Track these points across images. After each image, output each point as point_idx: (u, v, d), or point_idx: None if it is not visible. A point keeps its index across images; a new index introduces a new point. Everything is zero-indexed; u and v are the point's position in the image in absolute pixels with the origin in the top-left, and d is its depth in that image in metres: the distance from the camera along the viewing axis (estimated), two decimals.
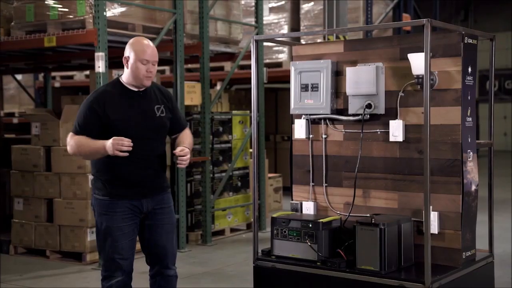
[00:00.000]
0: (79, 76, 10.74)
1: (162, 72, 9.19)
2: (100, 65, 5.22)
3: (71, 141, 3.13)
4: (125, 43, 6.64)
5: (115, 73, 5.82)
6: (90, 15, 5.35)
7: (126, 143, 3.01)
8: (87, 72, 9.32)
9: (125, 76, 3.21)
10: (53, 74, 10.28)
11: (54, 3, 5.59)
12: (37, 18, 5.72)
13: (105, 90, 3.20)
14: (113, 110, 3.12)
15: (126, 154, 3.02)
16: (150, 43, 3.21)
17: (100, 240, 3.22)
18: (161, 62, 7.51)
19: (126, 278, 3.19)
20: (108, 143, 3.02)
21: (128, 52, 3.18)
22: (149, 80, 3.18)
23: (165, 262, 3.28)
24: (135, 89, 3.21)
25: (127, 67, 3.17)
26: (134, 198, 3.17)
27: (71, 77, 10.87)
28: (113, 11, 5.67)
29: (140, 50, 3.14)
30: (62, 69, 9.15)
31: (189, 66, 8.45)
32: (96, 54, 5.23)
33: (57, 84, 10.77)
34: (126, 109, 3.15)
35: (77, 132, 3.14)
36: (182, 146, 3.22)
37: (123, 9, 5.76)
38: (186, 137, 3.37)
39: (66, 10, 5.55)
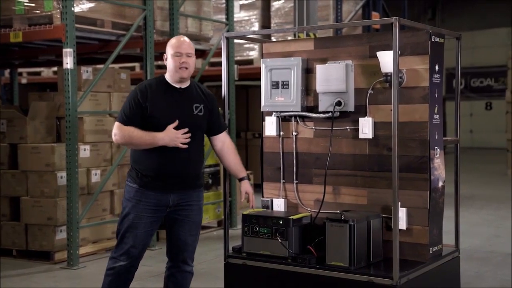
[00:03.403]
0: (47, 72, 10.57)
1: (132, 69, 9.11)
2: (68, 62, 5.14)
3: (121, 131, 3.24)
4: (94, 39, 6.58)
5: (83, 69, 5.74)
6: (58, 10, 5.26)
7: (181, 135, 3.19)
8: (55, 69, 9.17)
9: (167, 73, 3.37)
10: (20, 70, 10.09)
11: None
12: (2, 13, 5.59)
13: (150, 84, 3.33)
14: (154, 104, 3.25)
15: (186, 146, 3.20)
16: (184, 38, 3.37)
17: (119, 223, 3.35)
18: (131, 58, 7.49)
19: (129, 265, 3.33)
20: (162, 135, 3.18)
21: (166, 49, 3.34)
22: (186, 72, 3.29)
23: (184, 256, 3.42)
24: (177, 86, 3.33)
25: (165, 63, 3.34)
26: (162, 191, 3.28)
27: (38, 73, 10.68)
28: (81, 6, 5.59)
29: (172, 44, 3.31)
30: (29, 65, 8.98)
31: (159, 63, 8.38)
32: (64, 50, 5.15)
33: (24, 81, 10.58)
34: (166, 105, 3.28)
35: (124, 122, 3.25)
36: (246, 187, 3.53)
37: (91, 4, 5.69)
38: (234, 159, 3.52)
39: (33, 5, 5.45)
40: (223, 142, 3.52)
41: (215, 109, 3.47)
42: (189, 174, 3.34)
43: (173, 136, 3.21)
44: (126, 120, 3.24)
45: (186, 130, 3.23)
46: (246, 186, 3.55)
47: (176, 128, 3.24)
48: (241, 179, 3.54)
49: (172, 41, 3.34)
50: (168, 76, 3.36)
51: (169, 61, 3.30)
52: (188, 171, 3.33)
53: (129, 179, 3.34)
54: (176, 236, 3.39)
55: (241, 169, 3.56)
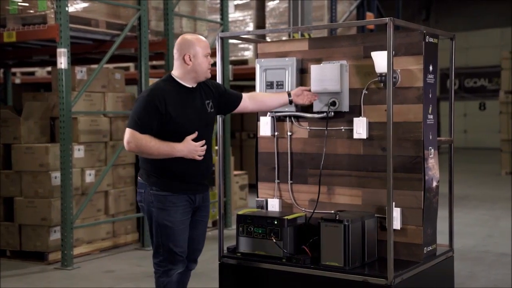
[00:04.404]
0: (41, 72, 10.54)
1: (127, 69, 9.09)
2: (62, 62, 5.13)
3: (137, 140, 3.08)
4: (88, 39, 6.54)
5: (78, 69, 5.72)
6: (52, 10, 5.25)
7: (200, 147, 3.15)
8: (49, 69, 9.14)
9: (182, 72, 3.24)
10: (14, 70, 10.05)
11: None
12: None
13: (162, 87, 3.20)
14: (173, 106, 3.14)
15: (201, 158, 3.17)
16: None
17: (160, 236, 3.22)
18: (125, 59, 7.47)
19: (184, 269, 3.31)
20: (181, 147, 3.11)
21: (188, 49, 3.22)
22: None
23: (196, 256, 3.41)
24: (189, 86, 3.26)
25: (189, 64, 3.21)
26: (190, 192, 3.25)
27: (32, 73, 10.65)
28: (75, 6, 5.57)
29: (203, 45, 3.24)
30: (22, 65, 8.95)
31: (154, 63, 8.37)
32: (58, 50, 5.14)
33: (17, 81, 10.55)
34: (183, 106, 3.19)
35: (138, 129, 3.09)
36: (297, 88, 3.57)
37: (86, 4, 5.67)
38: (270, 96, 3.58)
39: (27, 4, 5.43)
40: (250, 97, 3.51)
41: (221, 90, 3.43)
42: (207, 174, 3.34)
43: (192, 148, 3.13)
44: (142, 127, 3.08)
45: (203, 142, 3.18)
46: (296, 89, 3.56)
47: (196, 128, 3.17)
48: (289, 95, 3.55)
49: (200, 42, 3.22)
50: (181, 76, 3.23)
51: (199, 61, 3.20)
52: (206, 172, 3.32)
53: (153, 187, 3.19)
54: (192, 237, 3.33)
55: (280, 94, 3.58)
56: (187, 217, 3.25)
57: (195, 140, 3.17)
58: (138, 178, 3.30)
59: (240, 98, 3.50)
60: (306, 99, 3.58)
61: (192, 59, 3.20)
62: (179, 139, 3.14)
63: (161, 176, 3.20)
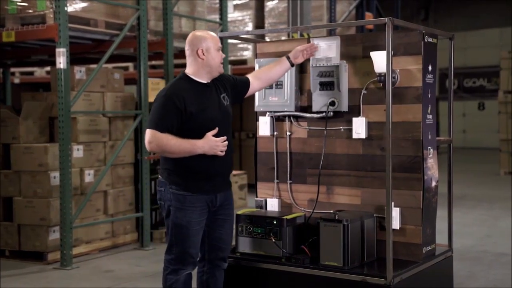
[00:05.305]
0: (40, 72, 10.54)
1: (126, 69, 9.08)
2: (61, 61, 5.13)
3: (157, 139, 3.07)
4: (87, 39, 6.54)
5: (77, 69, 5.72)
6: (51, 10, 5.24)
7: (221, 143, 3.13)
8: (48, 68, 9.14)
9: (196, 68, 3.22)
10: (13, 70, 10.06)
11: None
12: None
13: (179, 85, 3.19)
14: (192, 104, 3.13)
15: (223, 154, 3.15)
16: None
17: (175, 234, 3.20)
18: (124, 58, 7.47)
19: (192, 271, 3.27)
20: (202, 143, 3.09)
21: (200, 43, 3.20)
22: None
23: (225, 255, 3.38)
24: (204, 82, 3.24)
25: (202, 59, 3.19)
26: (212, 192, 3.22)
27: (31, 73, 10.65)
28: (74, 6, 5.57)
29: (214, 39, 3.23)
30: (21, 65, 8.95)
31: (153, 63, 8.37)
32: (57, 50, 5.13)
33: (16, 80, 10.55)
34: (201, 103, 3.17)
35: (158, 128, 3.07)
36: (295, 50, 3.50)
37: (85, 4, 5.67)
38: (269, 68, 3.52)
39: (26, 4, 5.43)
40: (254, 78, 3.48)
41: (232, 81, 3.40)
42: (229, 171, 3.33)
43: (213, 144, 3.11)
44: (162, 126, 3.07)
45: (224, 138, 3.16)
46: (294, 52, 3.51)
47: (216, 124, 3.15)
48: (287, 58, 3.51)
49: (211, 36, 3.21)
50: (196, 73, 3.21)
51: (212, 55, 3.18)
52: (228, 168, 3.31)
53: (173, 186, 3.18)
54: (217, 236, 3.31)
55: (281, 62, 3.52)
56: (204, 218, 3.23)
57: (216, 136, 3.15)
58: (159, 176, 3.31)
59: (249, 83, 3.47)
60: (306, 55, 3.57)
61: (205, 53, 3.19)
62: (201, 136, 3.12)
63: (181, 175, 3.18)
